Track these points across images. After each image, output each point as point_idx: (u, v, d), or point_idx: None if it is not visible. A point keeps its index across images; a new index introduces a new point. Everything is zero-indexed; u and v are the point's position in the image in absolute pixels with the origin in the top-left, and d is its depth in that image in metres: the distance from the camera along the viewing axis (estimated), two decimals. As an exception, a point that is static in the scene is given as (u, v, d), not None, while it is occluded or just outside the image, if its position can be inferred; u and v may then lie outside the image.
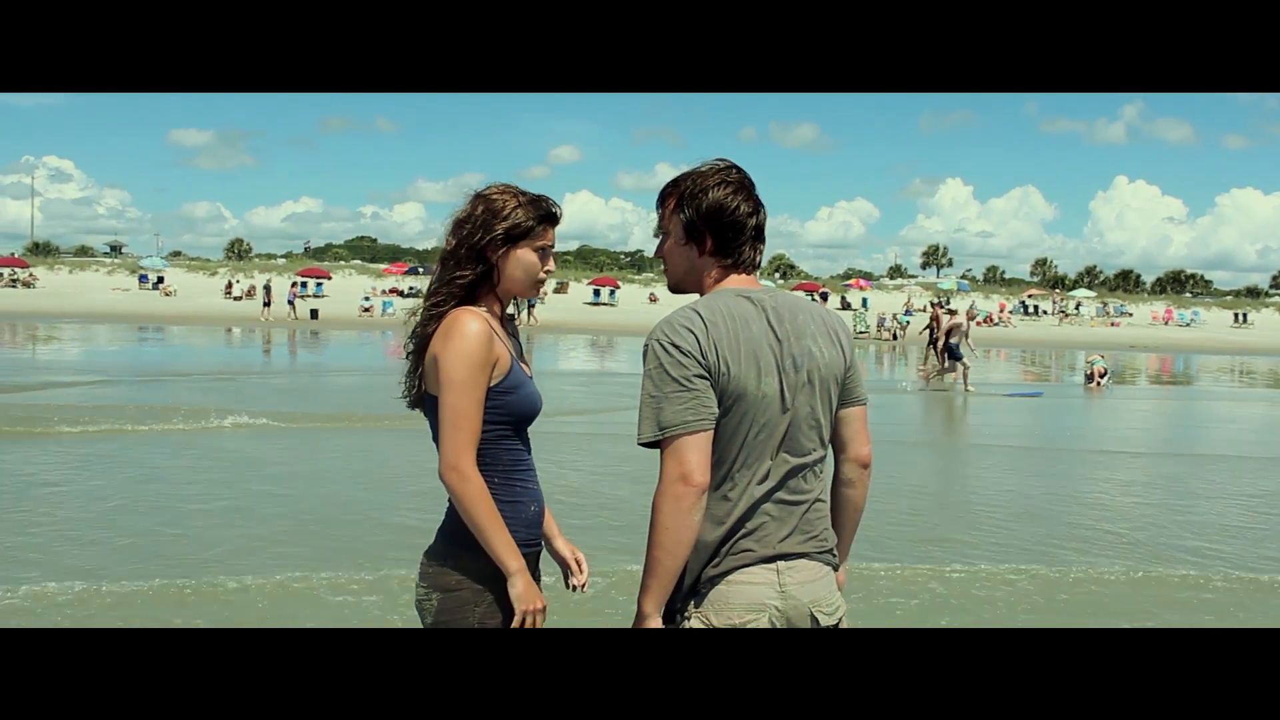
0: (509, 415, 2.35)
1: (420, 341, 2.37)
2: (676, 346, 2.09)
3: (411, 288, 54.36)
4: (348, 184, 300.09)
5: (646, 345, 2.13)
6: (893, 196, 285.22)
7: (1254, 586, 6.24)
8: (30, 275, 57.10)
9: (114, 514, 7.22)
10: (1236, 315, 67.07)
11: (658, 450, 2.09)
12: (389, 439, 11.13)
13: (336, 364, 24.03)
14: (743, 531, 2.14)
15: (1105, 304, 70.26)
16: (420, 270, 61.96)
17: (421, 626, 2.36)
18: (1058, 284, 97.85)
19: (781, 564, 2.15)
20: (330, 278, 60.74)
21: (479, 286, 2.38)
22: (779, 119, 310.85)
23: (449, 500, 2.33)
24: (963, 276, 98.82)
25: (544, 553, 2.54)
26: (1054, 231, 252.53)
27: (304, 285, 54.34)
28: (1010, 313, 59.75)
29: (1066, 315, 61.91)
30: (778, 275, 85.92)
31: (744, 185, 2.23)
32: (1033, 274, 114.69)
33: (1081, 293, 79.25)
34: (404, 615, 4.86)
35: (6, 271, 56.28)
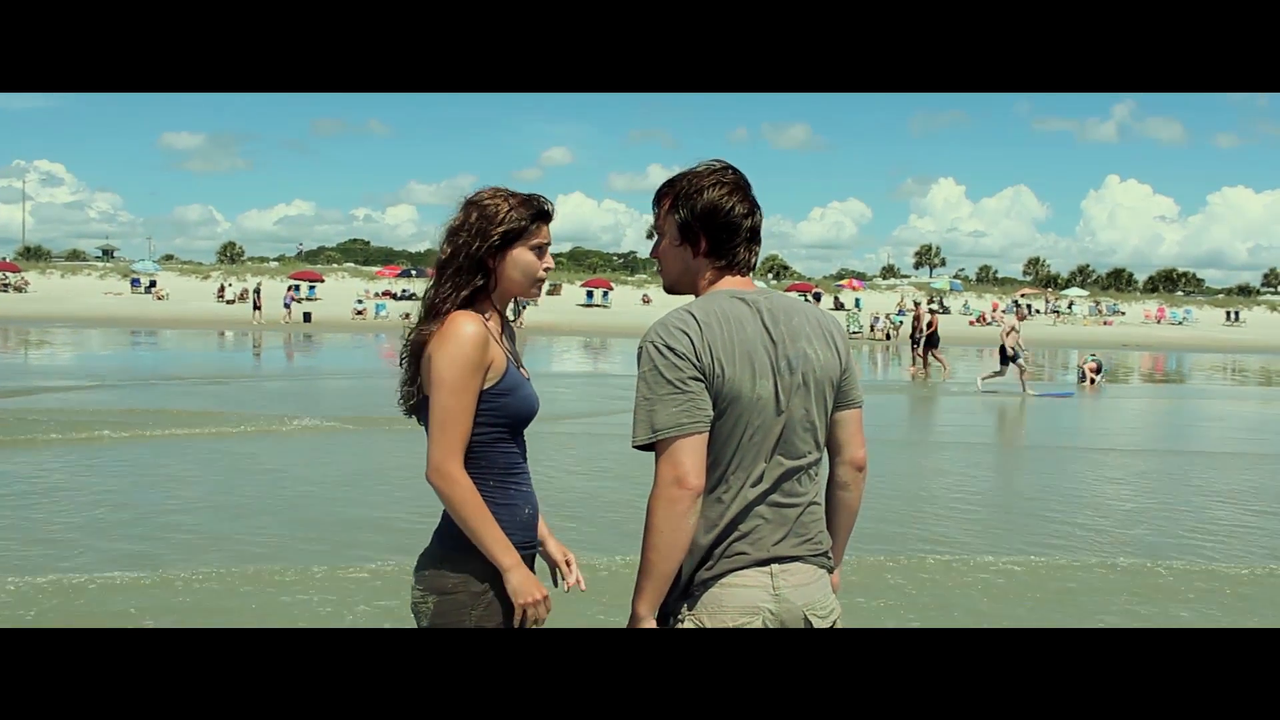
0: (505, 417, 2.35)
1: (416, 348, 2.35)
2: (671, 349, 2.08)
3: (405, 290, 54.41)
4: (340, 187, 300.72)
5: (641, 347, 2.12)
6: (885, 196, 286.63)
7: (1249, 579, 6.27)
8: (22, 280, 57.02)
9: (101, 514, 7.20)
10: (1228, 313, 67.45)
11: (652, 453, 2.08)
12: (389, 439, 11.11)
13: (333, 367, 23.95)
14: (736, 534, 2.13)
15: (1098, 303, 70.51)
16: (413, 273, 61.86)
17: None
18: (1050, 283, 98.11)
19: (775, 567, 2.14)
20: (323, 280, 60.68)
21: (476, 291, 2.37)
22: (771, 120, 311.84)
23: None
24: (955, 276, 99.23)
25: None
26: (1046, 231, 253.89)
27: (297, 289, 54.27)
28: (1004, 312, 59.85)
29: (1060, 314, 62.07)
30: (771, 276, 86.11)
31: (740, 186, 2.22)
32: (1025, 273, 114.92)
33: (1074, 292, 79.55)
34: (397, 617, 4.85)
35: (-2, 276, 56.24)
